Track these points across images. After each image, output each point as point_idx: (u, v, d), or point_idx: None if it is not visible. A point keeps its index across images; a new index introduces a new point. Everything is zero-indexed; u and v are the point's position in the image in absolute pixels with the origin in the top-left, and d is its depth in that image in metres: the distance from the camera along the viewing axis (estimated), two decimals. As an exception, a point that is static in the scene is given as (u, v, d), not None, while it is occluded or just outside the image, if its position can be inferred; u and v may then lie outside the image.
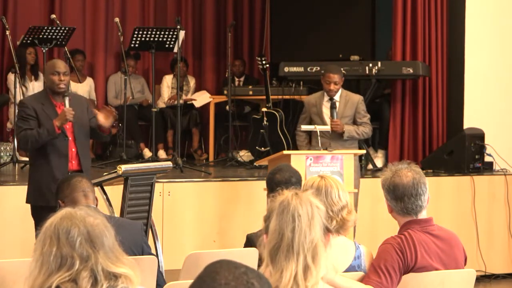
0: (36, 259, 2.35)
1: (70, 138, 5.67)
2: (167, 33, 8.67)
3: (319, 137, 6.69)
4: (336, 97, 7.19)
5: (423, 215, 3.68)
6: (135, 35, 8.68)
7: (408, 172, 3.67)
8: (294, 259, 2.61)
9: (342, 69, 8.22)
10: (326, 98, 7.20)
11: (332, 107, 7.13)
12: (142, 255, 4.16)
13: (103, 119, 5.69)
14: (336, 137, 7.07)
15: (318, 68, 8.29)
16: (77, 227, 2.35)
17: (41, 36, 8.38)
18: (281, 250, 2.63)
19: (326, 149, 6.51)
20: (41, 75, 9.19)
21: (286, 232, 2.64)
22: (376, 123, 8.94)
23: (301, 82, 9.17)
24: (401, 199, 3.64)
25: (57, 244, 2.33)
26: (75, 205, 3.91)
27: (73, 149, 5.70)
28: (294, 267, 2.60)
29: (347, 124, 7.15)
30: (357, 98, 7.30)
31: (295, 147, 7.62)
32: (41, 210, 5.41)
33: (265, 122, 8.58)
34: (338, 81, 7.15)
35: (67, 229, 2.35)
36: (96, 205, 4.33)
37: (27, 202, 5.72)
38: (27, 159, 8.63)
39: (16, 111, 8.73)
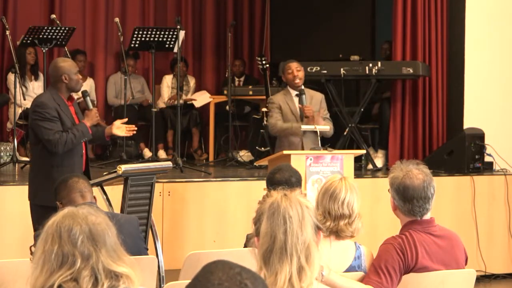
0: (38, 257, 2.33)
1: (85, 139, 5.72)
2: (167, 33, 8.67)
3: (302, 137, 6.63)
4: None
5: (426, 216, 3.68)
6: (135, 35, 8.67)
7: (419, 174, 3.63)
8: (288, 261, 2.60)
9: (342, 69, 8.22)
10: (293, 93, 7.15)
11: (301, 93, 7.04)
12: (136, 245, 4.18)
13: (119, 132, 5.79)
14: (308, 137, 7.00)
15: (318, 68, 8.28)
16: (79, 225, 2.34)
17: (41, 36, 8.38)
18: (274, 253, 2.61)
19: (326, 149, 6.50)
20: (41, 75, 9.18)
21: (278, 234, 2.62)
22: (376, 123, 8.95)
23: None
24: (410, 201, 3.62)
25: (58, 243, 2.32)
26: (73, 205, 3.91)
27: (83, 150, 5.74)
28: (289, 269, 2.59)
29: None
30: (320, 95, 7.30)
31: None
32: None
33: (265, 122, 8.57)
34: (299, 68, 7.13)
35: (69, 227, 2.34)
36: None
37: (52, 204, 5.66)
38: (27, 159, 8.63)
39: (9, 111, 8.84)
